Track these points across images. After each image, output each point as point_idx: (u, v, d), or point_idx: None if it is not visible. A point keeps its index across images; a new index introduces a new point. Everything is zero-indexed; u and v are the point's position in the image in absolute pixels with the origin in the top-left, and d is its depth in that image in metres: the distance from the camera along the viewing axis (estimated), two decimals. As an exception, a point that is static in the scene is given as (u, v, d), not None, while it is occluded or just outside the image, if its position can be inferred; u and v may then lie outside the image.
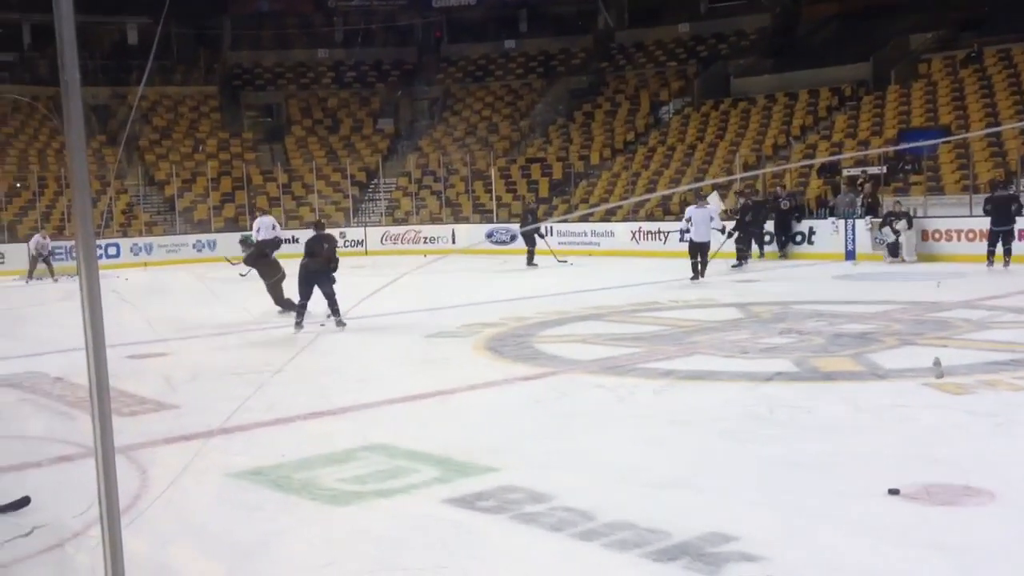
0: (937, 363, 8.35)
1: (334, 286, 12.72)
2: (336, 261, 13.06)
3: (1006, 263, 17.93)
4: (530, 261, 23.09)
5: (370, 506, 5.42)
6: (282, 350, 10.86)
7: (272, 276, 14.58)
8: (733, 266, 20.28)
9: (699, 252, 18.13)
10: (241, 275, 14.66)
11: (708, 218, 18.48)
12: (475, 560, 4.61)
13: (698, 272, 18.04)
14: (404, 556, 4.64)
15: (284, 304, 14.27)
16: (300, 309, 12.71)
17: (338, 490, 5.70)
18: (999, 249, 18.05)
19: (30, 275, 24.40)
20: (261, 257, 14.91)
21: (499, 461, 6.13)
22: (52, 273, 24.22)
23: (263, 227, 23.19)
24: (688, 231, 18.36)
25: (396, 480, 5.87)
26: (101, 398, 1.86)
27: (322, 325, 12.62)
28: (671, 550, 4.49)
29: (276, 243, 16.30)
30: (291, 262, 14.31)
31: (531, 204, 27.56)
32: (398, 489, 5.68)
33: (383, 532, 5.00)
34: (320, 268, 12.75)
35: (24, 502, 5.51)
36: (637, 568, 4.33)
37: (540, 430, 7.15)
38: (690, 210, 19.01)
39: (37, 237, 24.95)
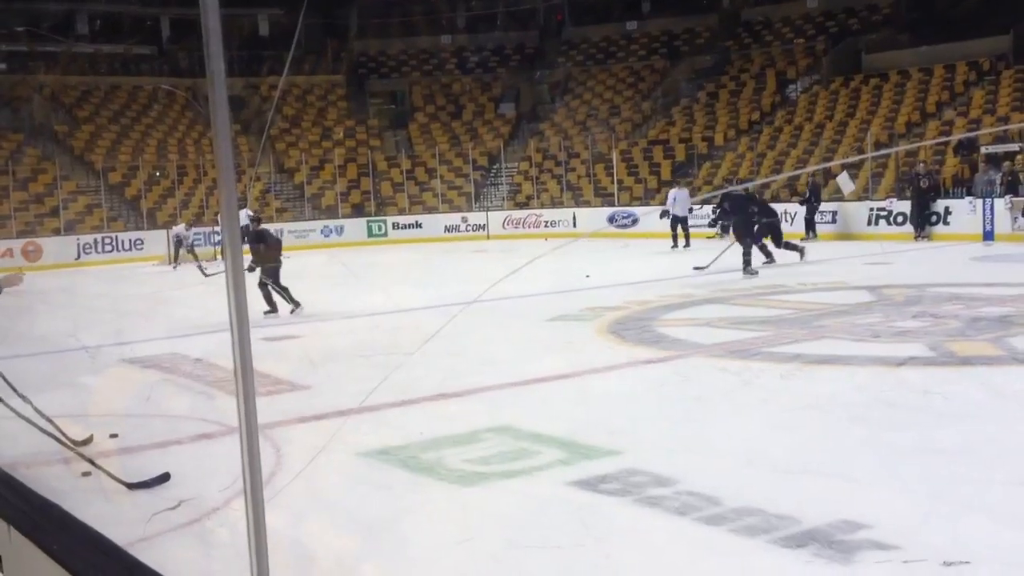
0: None
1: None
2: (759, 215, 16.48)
3: None
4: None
5: (496, 487, 5.49)
6: (409, 333, 11.06)
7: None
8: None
9: (680, 225, 22.67)
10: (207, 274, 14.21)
11: (688, 197, 23.24)
12: (601, 542, 4.63)
13: (678, 243, 22.45)
14: (531, 536, 4.69)
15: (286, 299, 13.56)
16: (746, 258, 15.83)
17: (464, 471, 5.79)
18: None
19: (175, 260, 25.40)
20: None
21: (623, 444, 6.13)
22: (196, 258, 25.04)
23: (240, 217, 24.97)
24: (667, 212, 22.61)
25: (520, 462, 5.93)
26: (245, 377, 1.94)
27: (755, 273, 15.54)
28: (800, 536, 4.42)
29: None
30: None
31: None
32: (522, 471, 5.74)
33: (510, 512, 5.07)
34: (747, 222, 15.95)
35: (164, 478, 5.77)
36: (766, 554, 4.28)
37: (663, 414, 7.12)
38: (673, 191, 23.65)
39: (182, 227, 25.91)
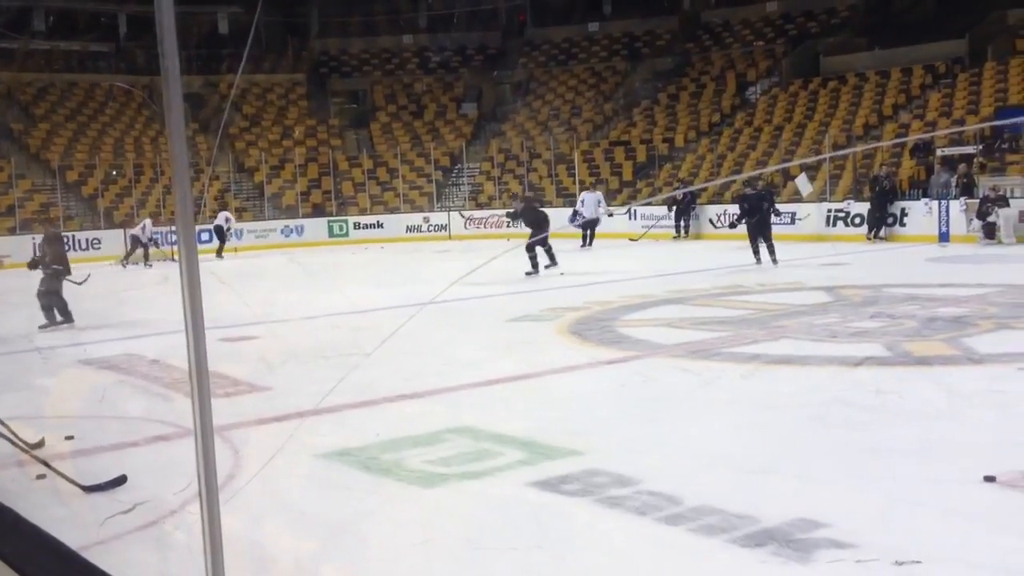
0: None
1: None
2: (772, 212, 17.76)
3: None
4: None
5: (456, 488, 5.48)
6: (369, 334, 11.01)
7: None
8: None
9: (589, 226, 24.24)
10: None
11: (597, 201, 24.98)
12: (562, 542, 4.63)
13: (587, 241, 24.09)
14: (492, 537, 4.69)
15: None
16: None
17: (425, 472, 5.77)
18: None
19: (127, 259, 25.24)
20: None
21: (584, 444, 6.14)
22: (147, 258, 25.00)
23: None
24: (578, 212, 24.30)
25: (482, 463, 5.92)
26: (200, 377, 1.92)
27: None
28: (758, 536, 4.45)
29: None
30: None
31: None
32: (484, 471, 5.73)
33: (470, 513, 5.06)
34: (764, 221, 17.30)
35: (121, 480, 5.70)
36: (724, 553, 4.30)
37: (625, 414, 7.14)
38: (584, 194, 25.45)
39: (147, 222, 25.66)
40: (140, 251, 25.17)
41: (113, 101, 36.66)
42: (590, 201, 24.84)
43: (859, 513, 4.72)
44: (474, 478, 5.62)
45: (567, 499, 5.15)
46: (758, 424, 6.64)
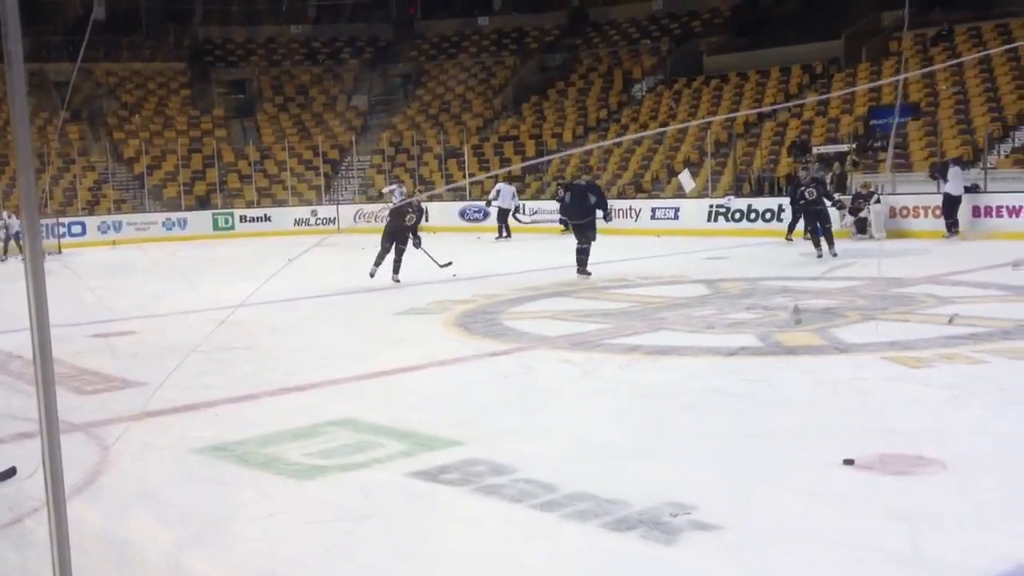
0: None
1: None
2: None
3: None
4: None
5: (335, 480, 5.46)
6: (250, 328, 10.83)
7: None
8: None
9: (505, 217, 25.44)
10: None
11: (511, 194, 25.90)
12: (435, 530, 4.67)
13: (501, 234, 25.05)
14: (366, 527, 4.69)
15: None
16: None
17: (303, 464, 5.74)
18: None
19: (5, 252, 24.39)
20: None
21: (464, 435, 6.18)
22: (21, 251, 24.20)
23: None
24: (494, 200, 25.73)
25: (362, 454, 5.91)
26: (45, 377, 1.89)
27: None
28: (629, 520, 4.56)
29: None
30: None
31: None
32: (363, 463, 5.72)
33: (346, 504, 5.05)
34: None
35: (10, 472, 5.52)
36: (594, 538, 4.40)
37: (506, 404, 7.21)
38: (500, 184, 26.01)
39: (3, 215, 24.99)
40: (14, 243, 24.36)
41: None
42: (506, 193, 25.78)
43: (725, 496, 4.88)
44: (353, 470, 5.60)
45: (444, 488, 5.19)
46: (634, 413, 6.79)
